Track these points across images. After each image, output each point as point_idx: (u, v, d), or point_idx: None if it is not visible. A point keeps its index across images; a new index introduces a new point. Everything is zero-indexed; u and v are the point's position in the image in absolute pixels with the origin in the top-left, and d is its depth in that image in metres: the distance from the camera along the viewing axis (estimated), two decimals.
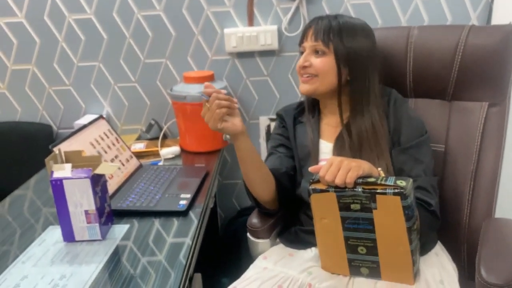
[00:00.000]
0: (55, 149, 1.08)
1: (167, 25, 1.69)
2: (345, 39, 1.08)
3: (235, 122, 1.02)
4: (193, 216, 1.16)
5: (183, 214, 1.15)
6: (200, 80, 1.59)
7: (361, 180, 0.89)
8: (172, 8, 1.67)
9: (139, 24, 1.69)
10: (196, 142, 1.62)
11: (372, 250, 0.95)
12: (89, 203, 1.00)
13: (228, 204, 1.92)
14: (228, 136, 1.07)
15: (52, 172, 0.99)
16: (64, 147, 1.12)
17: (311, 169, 0.94)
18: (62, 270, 0.93)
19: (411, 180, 0.90)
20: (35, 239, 1.07)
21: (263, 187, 1.13)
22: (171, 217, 1.15)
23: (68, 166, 0.99)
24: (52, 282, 0.89)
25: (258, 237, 1.19)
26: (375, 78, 1.12)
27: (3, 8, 1.67)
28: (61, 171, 0.99)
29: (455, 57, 1.18)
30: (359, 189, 0.89)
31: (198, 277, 1.12)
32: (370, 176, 0.91)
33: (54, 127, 1.82)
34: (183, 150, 1.64)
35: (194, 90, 1.54)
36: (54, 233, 1.09)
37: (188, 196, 1.22)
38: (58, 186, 0.98)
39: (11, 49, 1.73)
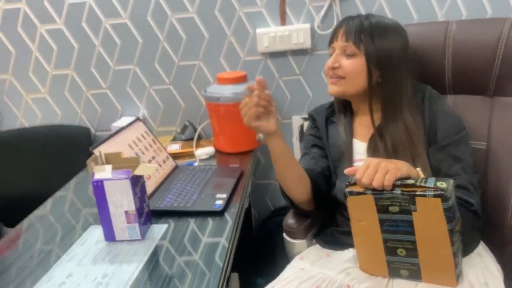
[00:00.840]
0: (96, 151, 1.11)
1: (200, 27, 1.71)
2: (376, 40, 1.06)
3: (270, 123, 1.02)
4: (228, 216, 1.16)
5: (219, 214, 1.16)
6: (233, 81, 1.59)
7: (399, 182, 0.87)
8: (205, 10, 1.69)
9: (172, 27, 1.72)
10: (230, 142, 1.63)
11: (412, 252, 0.93)
12: (129, 203, 1.02)
13: (262, 204, 1.92)
14: (261, 136, 1.07)
15: (93, 174, 1.02)
16: (104, 149, 1.15)
17: (346, 171, 0.93)
18: (104, 269, 0.96)
19: (452, 181, 0.87)
20: (77, 239, 1.10)
21: (298, 188, 1.12)
22: (206, 217, 1.16)
23: (109, 167, 1.02)
24: (95, 280, 0.92)
25: (294, 238, 1.18)
26: (407, 80, 1.09)
27: (44, 16, 1.74)
28: (102, 172, 1.02)
29: (497, 51, 1.14)
30: (398, 192, 0.87)
31: (235, 276, 1.13)
32: (408, 178, 0.89)
33: (92, 130, 1.88)
34: (217, 151, 1.65)
35: (227, 91, 1.55)
36: (95, 233, 1.12)
37: (224, 196, 1.23)
38: (99, 187, 1.01)
39: (51, 55, 1.79)
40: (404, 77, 1.08)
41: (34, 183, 1.79)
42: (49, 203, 1.36)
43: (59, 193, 1.43)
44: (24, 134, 1.86)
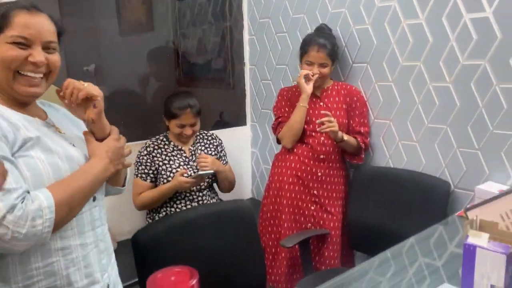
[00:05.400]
0: (470, 214, 1.12)
1: None
2: None
3: None
4: None
5: None
6: None
7: None
8: None
9: None
10: None
11: None
12: (498, 279, 0.98)
13: None
14: None
15: (467, 236, 1.04)
16: (478, 212, 1.15)
17: None
18: None
19: None
20: None
21: None
22: None
23: (485, 236, 1.01)
24: None
25: None
26: None
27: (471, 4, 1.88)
28: (477, 238, 1.02)
29: None
30: None
31: None
32: None
33: (452, 185, 1.89)
34: None
35: None
36: None
37: None
38: (470, 252, 1.01)
39: (431, 110, 1.92)
40: None
41: (386, 216, 1.97)
42: (407, 243, 1.46)
43: (416, 238, 1.50)
44: (390, 172, 2.08)
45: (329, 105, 2.11)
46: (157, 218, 2.08)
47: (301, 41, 2.32)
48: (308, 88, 2.04)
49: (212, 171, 2.04)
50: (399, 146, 2.08)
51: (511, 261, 0.99)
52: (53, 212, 0.91)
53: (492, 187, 1.70)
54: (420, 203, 1.89)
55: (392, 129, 2.09)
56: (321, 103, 2.09)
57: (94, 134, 1.10)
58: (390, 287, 1.20)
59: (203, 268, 1.41)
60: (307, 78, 2.03)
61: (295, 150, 2.13)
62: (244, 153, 2.88)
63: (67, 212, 0.95)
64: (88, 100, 1.06)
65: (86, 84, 1.06)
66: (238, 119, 2.86)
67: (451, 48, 1.82)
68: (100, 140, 1.10)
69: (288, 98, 2.19)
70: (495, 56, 1.70)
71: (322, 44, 2.05)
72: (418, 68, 1.94)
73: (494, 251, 0.98)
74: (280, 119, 2.17)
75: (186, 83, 2.64)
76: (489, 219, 1.11)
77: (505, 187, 1.68)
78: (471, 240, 1.02)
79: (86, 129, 1.14)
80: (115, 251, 2.03)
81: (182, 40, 2.58)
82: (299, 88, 2.07)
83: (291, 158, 2.13)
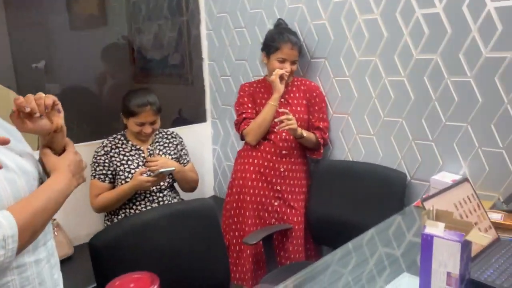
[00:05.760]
0: (427, 204, 1.16)
1: None
2: None
3: None
4: None
5: None
6: None
7: None
8: None
9: None
10: None
11: None
12: (454, 266, 1.01)
13: None
14: None
15: (424, 227, 1.07)
16: (434, 203, 1.18)
17: None
18: None
19: None
20: (389, 281, 1.17)
21: None
22: None
23: (442, 225, 1.04)
24: None
25: None
26: None
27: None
28: (434, 228, 1.05)
29: None
30: None
31: None
32: None
33: (408, 176, 1.95)
34: None
35: None
36: (409, 282, 1.16)
37: None
38: (428, 241, 1.04)
39: (387, 103, 1.97)
40: None
41: (346, 208, 2.01)
42: (367, 235, 1.49)
43: (375, 229, 1.54)
44: (349, 166, 2.13)
45: (290, 101, 2.12)
46: (116, 220, 2.02)
47: (259, 36, 2.31)
48: (282, 87, 2.04)
49: (173, 168, 2.00)
50: (357, 139, 2.12)
51: (465, 248, 1.03)
52: (16, 242, 0.84)
53: (446, 177, 1.77)
54: (379, 194, 1.94)
55: (350, 123, 2.13)
56: (282, 100, 2.09)
57: (53, 146, 1.04)
58: (352, 279, 1.22)
59: (165, 271, 1.39)
60: (281, 77, 2.03)
61: (257, 146, 2.12)
62: (205, 150, 2.85)
63: (30, 236, 0.88)
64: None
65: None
66: (197, 116, 2.82)
67: (404, 43, 1.87)
68: (57, 153, 1.04)
69: (250, 94, 2.17)
70: (446, 51, 1.76)
71: (295, 41, 2.06)
72: (374, 62, 1.98)
73: (449, 240, 1.01)
74: (244, 115, 2.14)
75: (143, 79, 2.57)
76: (444, 209, 1.14)
77: (458, 177, 1.76)
78: (428, 230, 1.05)
79: (22, 139, 1.06)
80: (72, 256, 1.97)
81: (137, 35, 2.51)
82: (273, 87, 2.05)
83: (254, 154, 2.12)
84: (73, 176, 1.01)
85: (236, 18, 2.54)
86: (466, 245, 1.03)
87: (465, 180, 1.39)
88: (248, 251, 2.09)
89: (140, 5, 2.49)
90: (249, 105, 2.15)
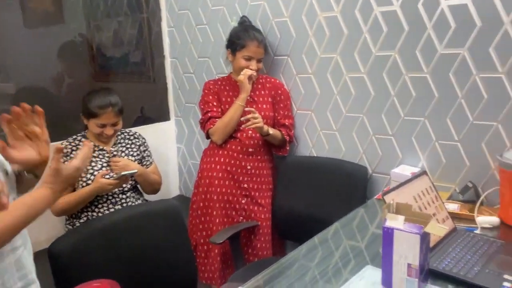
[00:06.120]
0: (388, 198, 1.19)
1: (508, 88, 1.60)
2: None
3: None
4: None
5: None
6: None
7: None
8: None
9: (474, 85, 1.67)
10: None
11: None
12: (414, 257, 1.05)
13: None
14: None
15: (385, 220, 1.10)
16: (393, 196, 1.22)
17: None
18: None
19: None
20: (354, 274, 1.20)
21: None
22: None
23: (401, 218, 1.08)
24: None
25: None
26: None
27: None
28: (394, 221, 1.08)
29: None
30: None
31: None
32: None
33: (369, 170, 2.00)
34: (502, 223, 1.50)
35: None
36: (372, 274, 1.19)
37: None
38: (389, 234, 1.08)
39: (348, 99, 2.01)
40: None
41: (311, 203, 2.05)
42: (332, 228, 1.52)
43: (340, 223, 1.57)
44: (313, 161, 2.16)
45: (256, 99, 2.12)
46: (77, 224, 1.96)
47: (222, 33, 2.29)
48: (250, 87, 2.04)
49: (136, 171, 1.96)
50: (320, 135, 2.15)
51: (424, 240, 1.07)
52: None
53: (405, 170, 1.83)
54: (342, 188, 1.98)
55: (313, 120, 2.16)
56: (248, 97, 2.10)
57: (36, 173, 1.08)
58: (318, 272, 1.25)
59: (131, 275, 1.36)
60: (249, 77, 2.02)
61: (224, 145, 2.11)
62: (169, 149, 2.82)
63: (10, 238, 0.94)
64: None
65: None
66: (161, 114, 2.77)
67: (364, 40, 1.91)
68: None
69: (215, 92, 2.15)
70: (403, 47, 1.81)
71: (261, 39, 2.06)
72: (335, 59, 2.02)
73: (409, 232, 1.05)
74: (209, 114, 2.11)
75: (103, 77, 2.50)
76: (404, 201, 1.19)
77: (416, 169, 1.82)
78: (389, 223, 1.09)
79: None
80: None
81: (96, 32, 2.44)
82: (241, 87, 2.04)
83: (220, 153, 2.11)
84: (55, 192, 1.05)
85: (198, 15, 2.51)
86: (424, 237, 1.07)
87: (423, 173, 1.44)
88: (216, 250, 2.08)
89: (98, 1, 2.42)
90: (214, 103, 2.13)
